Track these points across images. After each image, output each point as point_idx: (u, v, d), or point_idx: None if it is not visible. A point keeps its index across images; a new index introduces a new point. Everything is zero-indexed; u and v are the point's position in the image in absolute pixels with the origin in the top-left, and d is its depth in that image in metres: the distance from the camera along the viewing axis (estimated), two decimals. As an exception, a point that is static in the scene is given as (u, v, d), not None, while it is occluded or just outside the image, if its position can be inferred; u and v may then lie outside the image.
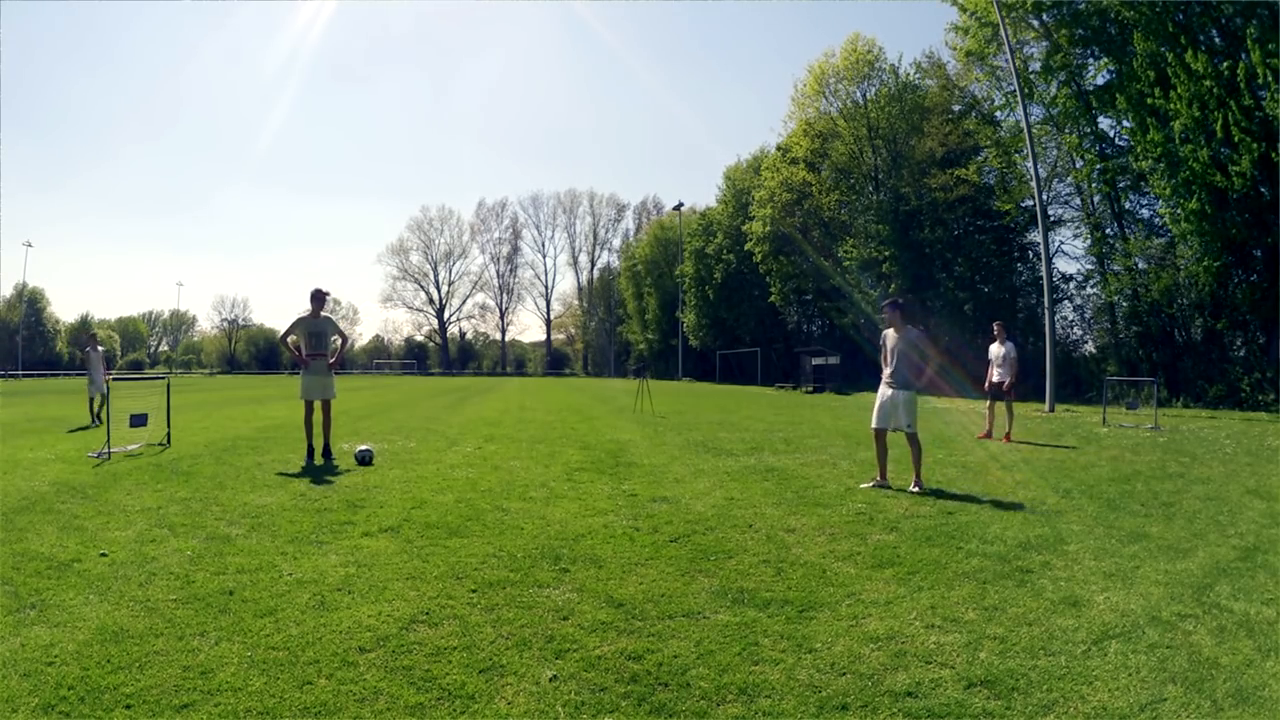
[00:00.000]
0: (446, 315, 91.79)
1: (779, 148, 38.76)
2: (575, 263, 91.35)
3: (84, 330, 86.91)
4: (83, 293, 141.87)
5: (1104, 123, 22.45)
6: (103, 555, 4.00)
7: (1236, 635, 2.93)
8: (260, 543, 4.30)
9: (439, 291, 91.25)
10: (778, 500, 5.72)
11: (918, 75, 32.28)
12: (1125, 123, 20.25)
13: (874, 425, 6.48)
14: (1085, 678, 2.55)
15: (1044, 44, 22.37)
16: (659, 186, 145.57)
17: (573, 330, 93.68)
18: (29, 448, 8.73)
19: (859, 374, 33.18)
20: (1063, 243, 28.36)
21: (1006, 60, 20.95)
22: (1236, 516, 5.21)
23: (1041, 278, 20.84)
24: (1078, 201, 25.03)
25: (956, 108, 30.07)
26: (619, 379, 58.23)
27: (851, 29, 66.01)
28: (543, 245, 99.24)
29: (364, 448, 7.83)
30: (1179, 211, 18.30)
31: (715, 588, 3.53)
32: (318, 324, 8.22)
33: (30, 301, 76.03)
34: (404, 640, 2.85)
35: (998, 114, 26.17)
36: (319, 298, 8.18)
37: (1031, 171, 20.02)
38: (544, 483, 6.46)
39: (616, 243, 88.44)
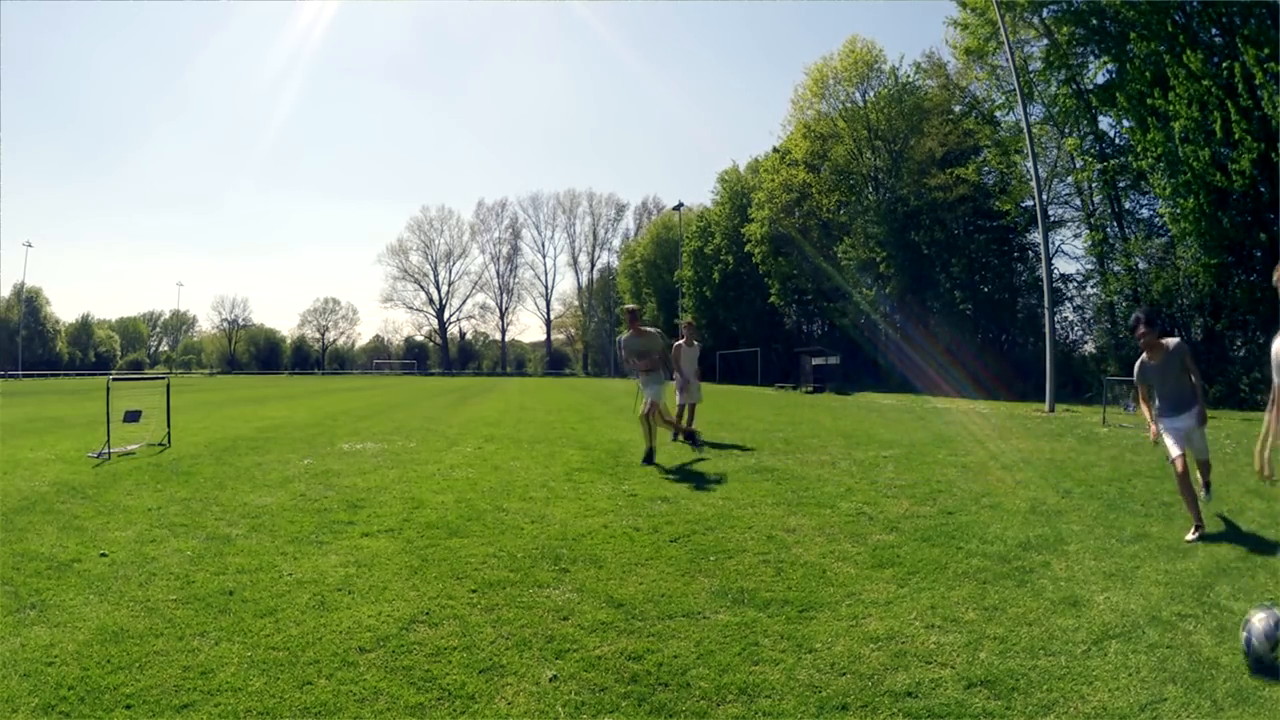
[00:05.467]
0: (446, 315, 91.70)
1: (777, 150, 38.78)
2: (575, 263, 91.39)
3: (84, 331, 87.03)
4: (83, 293, 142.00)
5: (1104, 122, 22.46)
6: (103, 555, 4.00)
7: (1236, 635, 2.93)
8: (260, 543, 4.30)
9: (439, 291, 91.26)
10: (778, 500, 5.72)
11: (917, 76, 32.30)
12: (1125, 122, 20.25)
13: None
14: (1085, 678, 2.54)
15: (1044, 42, 22.38)
16: (659, 186, 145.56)
17: (573, 330, 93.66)
18: (29, 448, 8.73)
19: (859, 374, 33.19)
20: (1063, 243, 28.36)
21: (1006, 59, 20.95)
22: (1236, 516, 5.21)
23: (1041, 278, 20.85)
24: (1078, 201, 25.03)
25: (956, 108, 30.10)
26: (619, 379, 58.22)
27: (851, 30, 66.10)
28: (542, 245, 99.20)
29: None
30: (1179, 211, 18.31)
31: (715, 588, 3.52)
32: None
33: (29, 301, 76.01)
34: (404, 640, 2.85)
35: (998, 114, 26.19)
36: None
37: (1031, 171, 20.02)
38: (544, 483, 6.46)
39: (616, 243, 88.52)
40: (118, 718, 2.26)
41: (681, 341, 10.11)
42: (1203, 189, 17.47)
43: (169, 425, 9.22)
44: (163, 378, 11.43)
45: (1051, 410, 16.85)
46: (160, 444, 8.72)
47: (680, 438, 9.09)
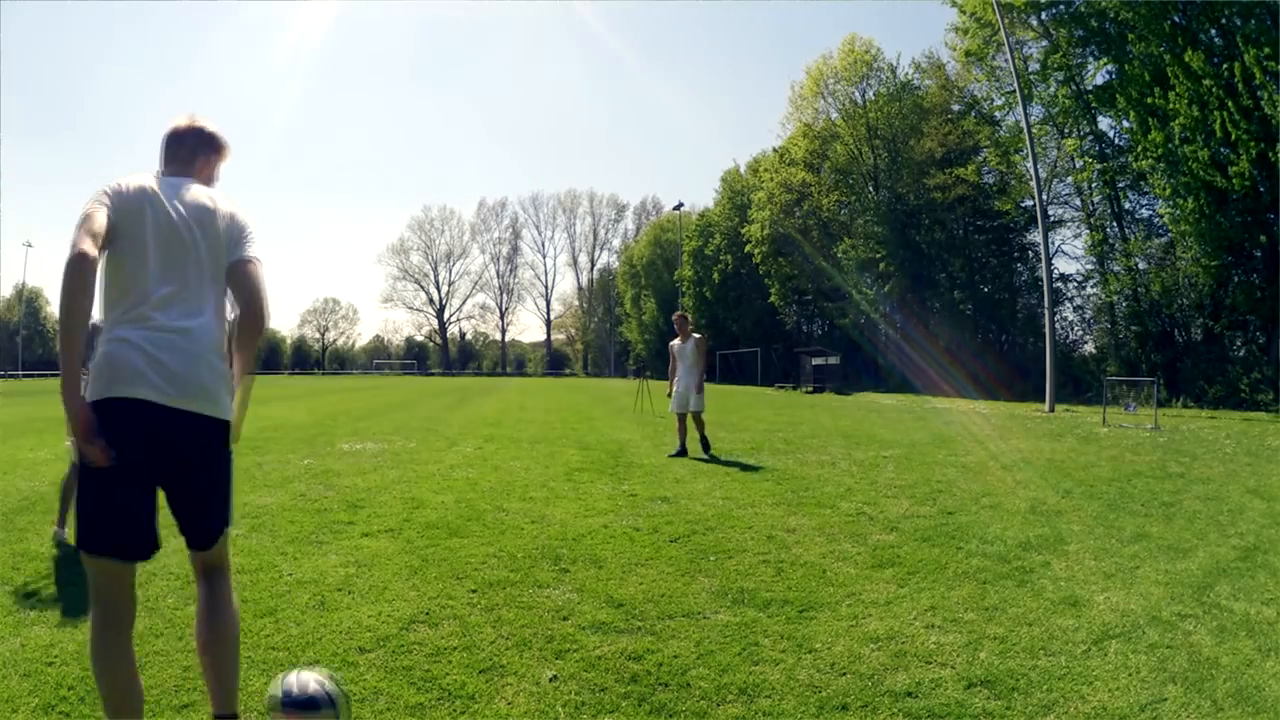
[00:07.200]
0: (446, 315, 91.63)
1: (777, 150, 38.79)
2: (575, 263, 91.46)
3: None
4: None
5: (1104, 123, 22.49)
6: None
7: (1236, 635, 2.93)
8: (260, 543, 4.30)
9: (439, 291, 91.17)
10: (778, 500, 5.72)
11: (916, 75, 32.34)
12: (1125, 122, 20.28)
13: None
14: (1085, 678, 2.54)
15: (1043, 44, 22.40)
16: (659, 186, 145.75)
17: (573, 330, 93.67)
18: (29, 448, 8.73)
19: (859, 374, 33.20)
20: (1063, 243, 28.43)
21: (1006, 60, 20.97)
22: (1236, 516, 5.21)
23: (1041, 278, 20.85)
24: (1078, 201, 25.07)
25: (956, 108, 30.14)
26: (619, 379, 58.21)
27: (852, 29, 66.07)
28: (543, 245, 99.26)
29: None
30: (1179, 212, 18.32)
31: (715, 588, 3.52)
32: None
33: (29, 301, 76.00)
34: (404, 640, 2.85)
35: (997, 114, 26.20)
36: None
37: (1031, 171, 20.04)
38: (544, 483, 6.46)
39: (616, 243, 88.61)
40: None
41: (676, 340, 8.89)
42: (1202, 189, 17.48)
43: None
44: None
45: (1051, 410, 16.86)
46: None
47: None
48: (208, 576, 2.04)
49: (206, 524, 1.98)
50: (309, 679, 2.03)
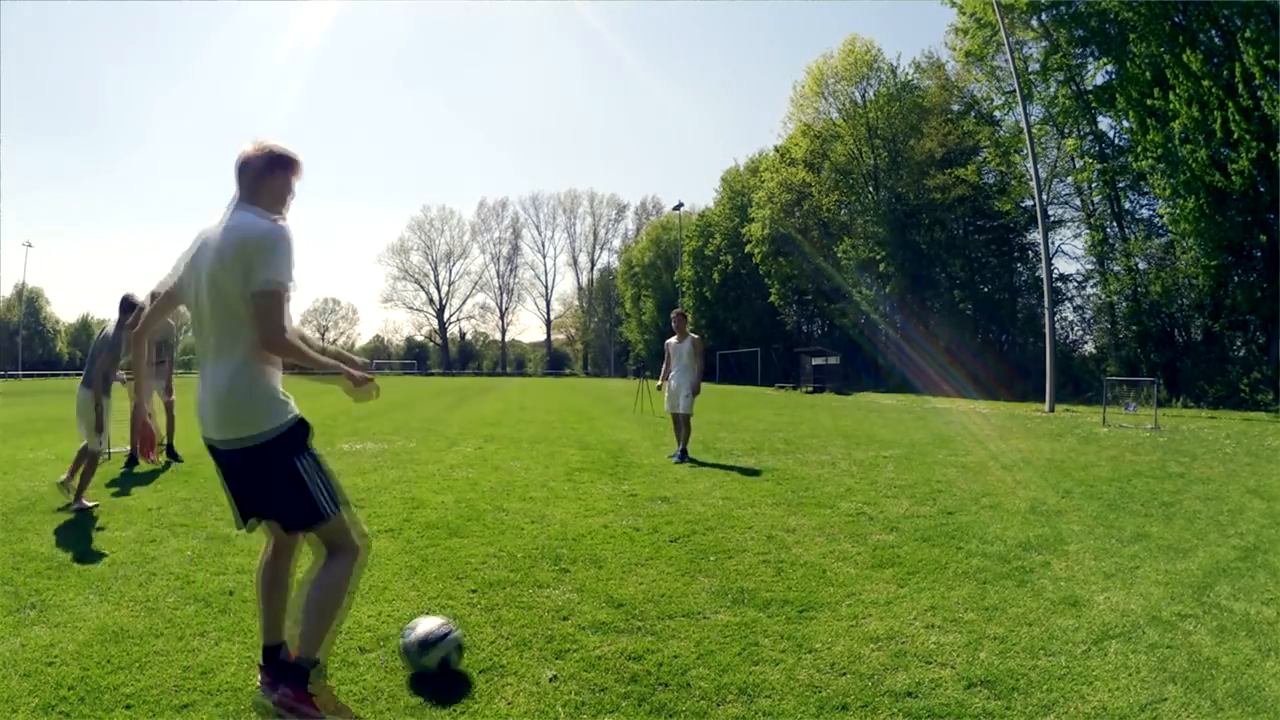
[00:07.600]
0: (446, 315, 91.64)
1: (778, 149, 38.77)
2: (575, 263, 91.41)
3: (84, 331, 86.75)
4: (83, 293, 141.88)
5: (1104, 123, 22.49)
6: (103, 555, 4.00)
7: (1236, 635, 2.93)
8: (260, 543, 4.28)
9: (439, 291, 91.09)
10: (778, 500, 5.72)
11: (916, 75, 32.34)
12: (1125, 122, 20.29)
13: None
14: (1085, 678, 2.55)
15: (1043, 44, 22.41)
16: (659, 187, 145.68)
17: (573, 330, 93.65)
18: (29, 448, 8.73)
19: (859, 374, 33.20)
20: (1063, 243, 28.40)
21: (1006, 60, 20.98)
22: (1236, 516, 5.21)
23: (1041, 278, 20.85)
24: (1078, 201, 25.07)
25: (956, 108, 30.12)
26: (619, 379, 58.21)
27: (852, 29, 66.17)
28: (543, 245, 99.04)
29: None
30: (1178, 212, 18.32)
31: (715, 588, 3.53)
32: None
33: (29, 301, 76.01)
34: (404, 640, 2.85)
35: (997, 114, 26.19)
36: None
37: (1031, 171, 20.04)
38: (544, 483, 6.46)
39: (616, 243, 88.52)
40: (118, 718, 2.26)
41: (673, 338, 8.67)
42: (1202, 189, 17.48)
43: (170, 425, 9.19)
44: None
45: (1051, 410, 16.86)
46: (160, 444, 8.72)
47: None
48: (330, 552, 2.33)
49: (283, 520, 2.35)
50: (432, 622, 2.58)
